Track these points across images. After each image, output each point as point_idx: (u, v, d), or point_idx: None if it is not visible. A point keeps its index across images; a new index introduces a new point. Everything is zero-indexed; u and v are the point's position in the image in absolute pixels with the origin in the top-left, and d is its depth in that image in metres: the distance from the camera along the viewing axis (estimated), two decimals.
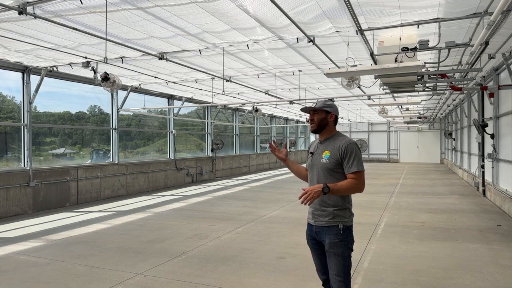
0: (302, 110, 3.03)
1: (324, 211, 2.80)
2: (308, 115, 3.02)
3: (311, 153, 2.96)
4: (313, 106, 2.92)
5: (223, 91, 12.00)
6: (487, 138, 10.73)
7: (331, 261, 2.77)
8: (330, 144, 2.85)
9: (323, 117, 2.89)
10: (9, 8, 5.06)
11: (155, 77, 10.87)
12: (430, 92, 11.75)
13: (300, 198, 2.61)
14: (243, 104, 17.49)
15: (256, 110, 15.69)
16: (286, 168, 24.91)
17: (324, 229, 2.79)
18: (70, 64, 9.20)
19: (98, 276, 4.74)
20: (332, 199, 2.77)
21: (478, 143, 11.78)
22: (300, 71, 10.15)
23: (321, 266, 2.93)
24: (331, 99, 13.22)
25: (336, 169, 2.77)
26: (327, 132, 2.91)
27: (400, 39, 6.40)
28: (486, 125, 10.40)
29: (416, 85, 8.95)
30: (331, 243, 2.75)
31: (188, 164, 15.86)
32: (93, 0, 5.24)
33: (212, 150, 17.59)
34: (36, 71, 9.64)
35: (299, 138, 31.92)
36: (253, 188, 14.02)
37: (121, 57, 8.44)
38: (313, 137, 33.28)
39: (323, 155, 2.82)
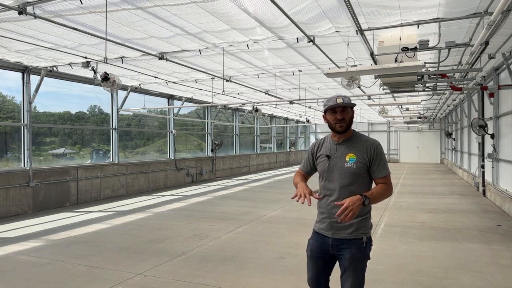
0: (329, 107, 2.52)
1: (348, 223, 2.46)
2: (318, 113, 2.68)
3: (327, 156, 2.57)
4: (338, 102, 2.50)
5: (223, 91, 12.00)
6: (487, 138, 10.73)
7: (348, 277, 2.49)
8: (353, 146, 2.52)
9: (352, 115, 2.56)
10: (9, 8, 5.06)
11: (155, 77, 10.87)
12: (430, 92, 11.75)
13: (338, 215, 2.27)
14: (243, 104, 17.48)
15: (256, 110, 15.69)
16: (286, 168, 25.05)
17: (344, 242, 2.50)
18: (70, 64, 9.20)
19: (98, 276, 4.74)
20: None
21: (478, 143, 11.78)
22: (300, 71, 10.15)
23: (316, 281, 2.64)
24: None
25: (363, 173, 2.50)
26: (348, 132, 2.56)
27: (400, 39, 6.40)
28: (486, 126, 10.37)
29: (416, 85, 8.95)
30: (353, 258, 2.48)
31: (188, 164, 15.86)
32: (93, 0, 5.24)
33: (212, 150, 17.59)
34: (36, 71, 9.63)
35: (299, 138, 31.92)
36: (253, 188, 14.02)
37: (121, 57, 8.43)
38: (313, 138, 33.28)
39: (347, 159, 2.49)
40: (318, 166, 2.67)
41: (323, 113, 2.66)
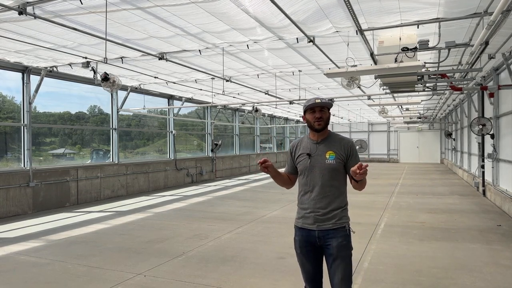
0: (308, 107, 2.75)
1: (330, 213, 2.70)
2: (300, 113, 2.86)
3: (308, 154, 2.79)
4: (317, 102, 2.73)
5: (223, 91, 12.00)
6: (487, 138, 10.73)
7: (338, 265, 2.64)
8: (331, 144, 2.76)
9: (328, 116, 2.81)
10: (9, 8, 5.06)
11: (155, 77, 10.87)
12: (430, 92, 11.75)
13: (360, 170, 2.42)
14: (243, 104, 17.48)
15: (256, 110, 15.69)
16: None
17: (330, 233, 2.69)
18: (70, 64, 9.20)
19: (98, 276, 4.74)
20: (338, 201, 2.73)
21: (478, 143, 11.79)
22: (300, 71, 10.14)
23: (313, 275, 2.81)
24: (331, 99, 13.24)
25: (341, 169, 2.74)
26: (325, 132, 2.81)
27: (400, 39, 6.40)
28: (488, 123, 10.35)
29: (416, 85, 8.94)
30: (340, 246, 2.66)
31: (188, 164, 15.86)
32: (93, 0, 5.24)
33: (212, 150, 17.60)
34: (36, 71, 9.63)
35: (299, 138, 31.88)
36: (253, 188, 14.02)
37: (121, 57, 8.43)
38: None
39: (327, 156, 2.71)
40: (299, 165, 2.85)
41: (302, 114, 2.90)
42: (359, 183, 2.65)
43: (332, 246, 2.67)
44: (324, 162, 2.72)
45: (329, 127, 2.93)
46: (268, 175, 2.90)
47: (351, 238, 2.74)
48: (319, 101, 2.74)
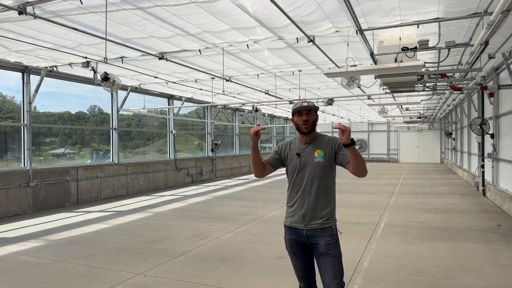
0: (296, 110, 2.85)
1: (318, 213, 2.76)
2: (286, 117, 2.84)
3: (298, 154, 2.88)
4: (304, 105, 2.83)
5: (223, 91, 12.00)
6: (487, 138, 10.74)
7: (328, 263, 2.69)
8: (318, 144, 2.84)
9: (315, 118, 2.88)
10: (9, 8, 5.06)
11: (155, 77, 10.87)
12: (430, 92, 11.75)
13: (341, 127, 2.54)
14: (243, 104, 17.49)
15: (256, 110, 15.69)
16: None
17: (317, 232, 2.74)
18: (70, 64, 9.20)
19: (98, 276, 4.74)
20: (326, 200, 2.79)
21: (478, 143, 11.79)
22: (300, 71, 10.15)
23: (305, 272, 2.90)
24: (331, 99, 13.24)
25: (330, 166, 2.81)
26: (313, 133, 2.89)
27: (400, 39, 6.40)
28: (487, 123, 10.37)
29: (416, 85, 8.94)
30: (328, 245, 2.71)
31: (188, 164, 15.86)
32: (93, 0, 5.24)
33: (212, 150, 17.60)
34: (36, 71, 9.63)
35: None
36: (253, 188, 14.02)
37: (121, 57, 8.43)
38: None
39: (316, 155, 2.81)
40: (290, 164, 2.93)
41: (291, 118, 2.98)
42: (357, 161, 2.61)
43: (320, 245, 2.73)
44: (313, 160, 2.81)
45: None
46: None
47: (338, 238, 2.79)
48: (306, 104, 2.84)
